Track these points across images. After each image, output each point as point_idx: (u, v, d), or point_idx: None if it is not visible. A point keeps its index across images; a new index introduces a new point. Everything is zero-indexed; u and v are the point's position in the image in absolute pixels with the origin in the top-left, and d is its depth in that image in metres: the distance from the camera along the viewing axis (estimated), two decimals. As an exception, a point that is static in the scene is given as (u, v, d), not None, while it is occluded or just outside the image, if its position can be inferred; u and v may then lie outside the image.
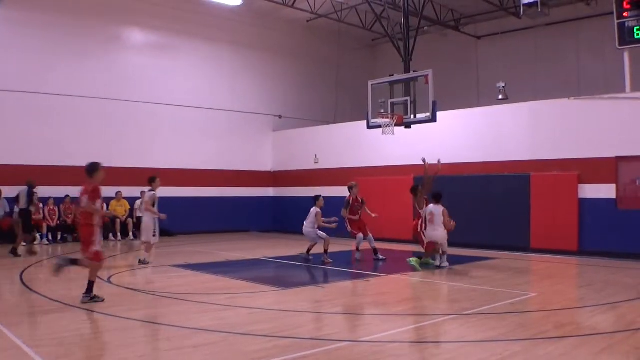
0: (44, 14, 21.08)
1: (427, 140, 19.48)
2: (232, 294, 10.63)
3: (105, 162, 19.87)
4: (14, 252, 16.88)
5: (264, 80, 27.60)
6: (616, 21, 17.31)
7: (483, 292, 11.03)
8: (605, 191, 16.83)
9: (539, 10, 19.76)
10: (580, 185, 17.27)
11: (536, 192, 18.06)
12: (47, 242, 19.52)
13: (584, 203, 17.20)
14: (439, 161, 15.44)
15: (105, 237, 21.22)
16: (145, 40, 24.14)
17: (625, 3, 16.98)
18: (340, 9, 25.96)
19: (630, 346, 6.90)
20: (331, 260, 15.22)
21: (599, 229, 16.76)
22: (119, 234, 21.68)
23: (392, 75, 18.10)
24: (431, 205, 14.45)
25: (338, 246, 16.53)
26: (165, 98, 24.01)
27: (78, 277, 12.68)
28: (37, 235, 19.63)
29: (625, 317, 8.71)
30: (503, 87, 23.09)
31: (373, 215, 16.44)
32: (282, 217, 26.64)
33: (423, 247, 14.85)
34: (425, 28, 25.08)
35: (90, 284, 9.66)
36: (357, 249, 16.14)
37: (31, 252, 17.26)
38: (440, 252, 14.55)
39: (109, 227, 21.55)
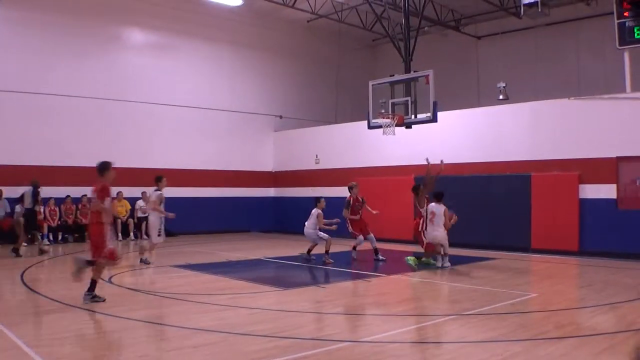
0: (44, 14, 21.08)
1: (428, 140, 19.48)
2: (232, 294, 10.64)
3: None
4: (16, 252, 16.90)
5: (264, 81, 27.59)
6: (616, 21, 17.32)
7: (484, 292, 11.03)
8: (606, 191, 16.82)
9: (539, 10, 19.75)
10: (581, 186, 17.26)
11: (537, 192, 18.05)
12: (47, 243, 19.51)
13: (585, 203, 17.19)
14: (441, 161, 15.45)
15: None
16: (146, 40, 24.14)
17: (625, 3, 16.99)
18: (340, 9, 25.95)
19: (631, 347, 6.91)
20: (332, 261, 15.23)
21: (600, 229, 16.75)
22: (119, 234, 21.67)
23: (393, 75, 18.10)
24: (432, 205, 14.48)
25: (339, 246, 16.53)
26: (166, 98, 24.01)
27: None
28: (39, 236, 19.60)
29: (625, 318, 8.71)
30: (503, 87, 23.07)
31: (374, 212, 16.44)
32: (282, 218, 26.64)
33: (423, 247, 14.88)
34: (426, 28, 25.09)
35: (93, 283, 9.67)
36: (354, 248, 16.17)
37: (42, 251, 17.27)
38: (442, 252, 14.56)
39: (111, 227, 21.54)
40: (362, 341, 7.33)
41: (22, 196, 17.81)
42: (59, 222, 20.75)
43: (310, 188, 24.98)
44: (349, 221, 16.12)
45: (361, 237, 16.05)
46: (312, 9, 25.20)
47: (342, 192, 16.42)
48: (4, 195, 19.45)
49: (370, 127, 18.34)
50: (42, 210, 19.52)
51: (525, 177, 18.27)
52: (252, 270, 14.50)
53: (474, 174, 19.35)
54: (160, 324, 8.42)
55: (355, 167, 23.22)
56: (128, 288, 11.15)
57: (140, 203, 22.18)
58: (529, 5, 19.91)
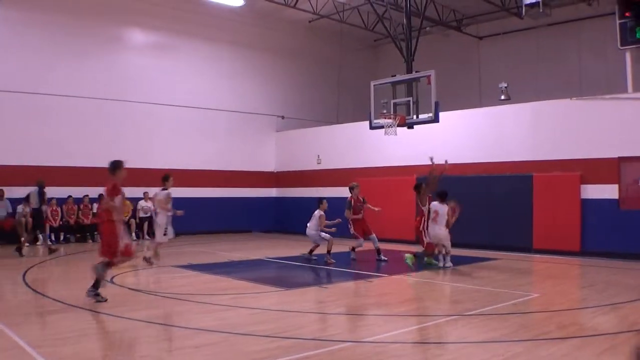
0: (44, 14, 21.10)
1: (430, 140, 19.47)
2: (234, 294, 10.64)
3: (107, 163, 20.00)
4: (19, 252, 16.93)
5: (266, 81, 27.60)
6: (618, 21, 17.32)
7: (485, 292, 11.03)
8: (608, 191, 16.81)
9: (541, 10, 19.73)
10: (583, 186, 17.26)
11: (538, 193, 18.05)
12: (49, 243, 19.50)
13: (587, 203, 17.19)
14: (446, 161, 15.43)
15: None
16: (146, 40, 24.15)
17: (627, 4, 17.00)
18: (342, 10, 25.95)
19: (631, 347, 6.90)
20: (334, 261, 15.24)
21: (602, 229, 16.74)
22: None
23: (395, 75, 18.12)
24: (436, 204, 14.49)
25: (341, 247, 16.53)
26: (167, 99, 24.03)
27: (78, 277, 12.75)
28: (40, 236, 19.63)
29: (627, 318, 8.71)
30: (505, 87, 23.07)
31: (376, 209, 16.46)
32: (284, 218, 26.65)
33: (423, 246, 14.90)
34: (427, 28, 25.08)
35: (98, 280, 9.72)
36: (354, 249, 16.19)
37: (51, 250, 17.27)
38: (444, 252, 14.58)
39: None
40: (364, 341, 7.33)
41: (28, 196, 17.84)
42: (61, 222, 20.76)
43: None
44: (351, 222, 16.12)
45: (361, 240, 16.09)
46: (314, 9, 25.20)
47: (344, 192, 16.42)
48: (5, 196, 19.49)
49: (372, 127, 18.36)
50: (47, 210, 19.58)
51: (527, 177, 18.27)
52: (253, 271, 14.51)
53: (475, 174, 19.34)
54: (162, 324, 8.42)
55: (357, 168, 23.22)
56: (130, 288, 11.15)
57: (142, 203, 22.20)
58: (531, 5, 19.89)
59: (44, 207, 17.88)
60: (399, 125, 17.27)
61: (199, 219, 24.05)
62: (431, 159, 15.37)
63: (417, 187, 15.34)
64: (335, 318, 9.21)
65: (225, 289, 11.23)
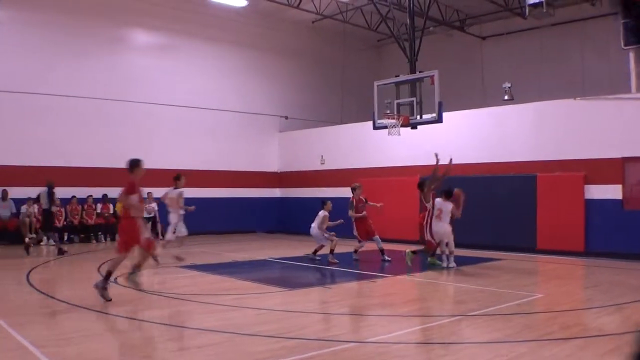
0: (45, 14, 21.12)
1: (433, 140, 19.41)
2: (238, 294, 10.64)
3: (111, 164, 20.08)
4: (27, 250, 17.02)
5: (269, 81, 27.63)
6: (621, 21, 17.30)
7: (489, 293, 11.02)
8: (612, 192, 16.80)
9: (544, 10, 19.76)
10: (587, 186, 17.24)
11: (542, 193, 18.04)
12: (53, 243, 19.52)
13: (591, 204, 17.17)
14: (450, 160, 15.40)
15: (112, 238, 21.32)
16: (149, 41, 24.20)
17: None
18: (345, 10, 25.95)
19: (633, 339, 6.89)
20: (337, 261, 15.24)
21: (606, 229, 16.73)
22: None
23: (398, 75, 18.10)
24: (440, 201, 14.50)
25: (344, 247, 16.53)
26: (170, 99, 24.06)
27: (82, 277, 12.77)
28: (44, 237, 19.68)
29: (631, 318, 8.69)
30: (509, 87, 23.07)
31: (378, 205, 16.48)
32: (288, 218, 26.66)
33: (430, 244, 14.93)
34: (431, 28, 25.07)
35: (109, 274, 9.90)
36: (356, 251, 16.22)
37: (61, 251, 17.30)
38: (447, 252, 14.58)
39: (116, 227, 21.63)
40: (368, 342, 7.33)
41: (38, 197, 17.90)
42: (65, 223, 20.79)
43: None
44: (354, 223, 16.11)
45: (363, 242, 16.13)
46: (317, 9, 25.20)
47: (348, 193, 16.43)
48: (9, 196, 19.54)
49: (375, 127, 18.35)
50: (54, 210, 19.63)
51: (531, 178, 18.26)
52: (257, 271, 14.52)
53: (479, 174, 19.33)
54: (166, 324, 8.42)
55: (360, 168, 23.23)
56: (133, 289, 11.15)
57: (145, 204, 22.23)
58: (534, 5, 19.92)
59: (53, 208, 17.90)
60: (402, 126, 17.27)
61: (202, 220, 23.97)
62: (436, 155, 15.34)
63: (421, 185, 15.36)
64: (339, 318, 9.22)
65: (229, 289, 11.24)
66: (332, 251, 15.48)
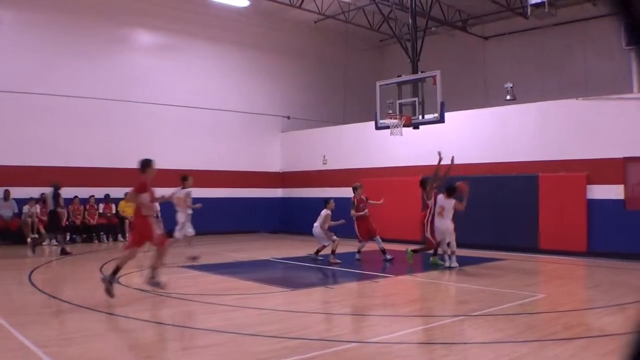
0: (45, 14, 21.13)
1: (435, 141, 19.41)
2: (240, 294, 10.65)
3: (113, 164, 20.09)
4: (32, 248, 17.13)
5: (271, 81, 27.63)
6: (623, 21, 17.28)
7: (491, 293, 11.02)
8: (614, 192, 16.79)
9: (546, 10, 19.75)
10: (589, 186, 17.22)
11: (544, 193, 18.02)
12: (55, 243, 19.52)
13: (593, 204, 17.15)
14: (452, 159, 15.38)
15: (115, 238, 21.35)
16: (152, 41, 24.22)
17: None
18: (347, 10, 25.95)
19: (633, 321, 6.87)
20: (339, 261, 15.25)
21: (608, 229, 16.71)
22: (127, 234, 21.69)
23: (400, 75, 18.12)
24: (442, 198, 14.49)
25: (346, 247, 16.53)
26: (172, 99, 24.06)
27: (84, 277, 12.79)
28: (46, 237, 19.71)
29: (633, 319, 8.69)
30: (511, 87, 23.06)
31: (379, 202, 16.51)
32: (290, 218, 26.66)
33: (430, 242, 14.97)
34: (433, 29, 25.04)
35: (117, 269, 10.10)
36: (359, 251, 16.22)
37: (64, 251, 17.31)
38: (449, 252, 14.57)
39: (118, 227, 21.68)
40: (370, 342, 7.34)
41: (44, 198, 17.94)
42: (67, 223, 20.79)
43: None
44: (355, 222, 16.13)
45: (364, 242, 16.16)
46: (319, 9, 25.20)
47: (350, 193, 16.44)
48: (11, 196, 19.57)
49: (377, 127, 18.36)
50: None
51: (533, 178, 18.25)
52: (260, 271, 14.52)
53: (481, 174, 19.31)
54: (168, 324, 8.43)
55: (362, 168, 23.23)
56: (136, 288, 11.17)
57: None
58: (536, 5, 19.91)
59: (59, 209, 17.90)
60: (404, 126, 17.28)
61: (205, 220, 23.94)
62: (439, 154, 15.33)
63: (423, 183, 15.41)
64: (341, 318, 9.22)
65: (232, 290, 11.25)
66: (333, 252, 15.48)
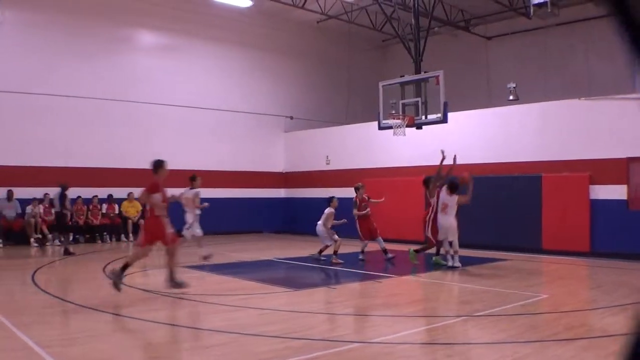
0: (46, 14, 21.16)
1: (438, 141, 19.39)
2: (243, 295, 10.66)
3: (116, 164, 20.13)
4: (40, 245, 17.27)
5: (274, 82, 27.65)
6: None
7: (494, 293, 11.02)
8: (617, 192, 16.77)
9: (549, 10, 19.72)
10: (592, 186, 17.21)
11: (547, 193, 18.01)
12: (58, 243, 19.55)
13: (596, 204, 17.14)
14: (454, 157, 15.35)
15: (118, 239, 21.38)
16: (154, 41, 24.25)
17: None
18: (350, 10, 25.96)
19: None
20: (342, 261, 15.25)
21: (611, 230, 16.69)
22: (130, 235, 21.75)
23: (403, 76, 18.13)
24: (445, 195, 14.48)
25: (349, 247, 16.55)
26: (175, 100, 24.09)
27: (87, 278, 12.82)
28: (49, 236, 19.76)
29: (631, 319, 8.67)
30: (514, 87, 23.05)
31: (380, 200, 16.55)
32: (293, 218, 26.66)
33: (429, 240, 15.00)
34: (436, 29, 25.06)
35: (126, 265, 10.36)
36: (362, 251, 16.23)
37: (68, 252, 17.32)
38: (452, 252, 14.54)
39: (121, 228, 21.71)
40: (373, 342, 7.34)
41: (52, 200, 18.01)
42: (70, 223, 20.79)
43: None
44: (357, 221, 16.15)
45: (366, 241, 16.17)
46: (322, 9, 25.21)
47: (353, 193, 16.46)
48: (15, 196, 19.60)
49: (380, 127, 18.38)
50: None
51: (536, 178, 18.23)
52: (262, 271, 14.54)
53: (484, 174, 19.28)
54: (172, 324, 8.45)
55: (365, 168, 23.23)
56: (139, 289, 11.19)
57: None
58: (539, 5, 19.89)
59: (65, 210, 17.91)
60: (407, 126, 17.29)
61: (208, 220, 23.98)
62: (442, 152, 15.33)
63: (426, 181, 15.42)
64: (344, 319, 9.23)
65: (235, 290, 11.26)
66: (335, 252, 15.49)
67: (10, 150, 19.90)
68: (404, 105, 17.67)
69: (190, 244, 15.61)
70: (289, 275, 14.42)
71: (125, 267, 10.31)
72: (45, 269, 14.21)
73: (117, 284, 10.10)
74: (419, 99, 17.38)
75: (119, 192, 21.79)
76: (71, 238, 20.50)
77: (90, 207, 21.33)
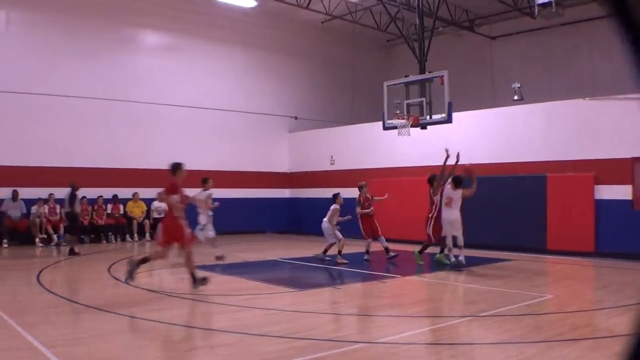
0: (47, 14, 21.17)
1: (443, 141, 19.31)
2: (248, 295, 10.67)
3: (122, 164, 20.16)
4: (46, 241, 17.65)
5: (279, 82, 27.64)
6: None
7: (499, 293, 11.01)
8: (622, 192, 16.74)
9: (553, 10, 19.70)
10: (597, 186, 17.18)
11: (552, 193, 17.98)
12: (64, 243, 19.55)
13: (600, 204, 17.10)
14: (457, 155, 15.30)
15: (123, 239, 21.40)
16: (159, 42, 24.26)
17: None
18: (354, 10, 25.94)
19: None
20: (346, 261, 15.25)
21: (616, 230, 16.65)
22: (135, 235, 21.77)
23: (407, 76, 18.13)
24: (449, 189, 14.46)
25: (353, 247, 16.55)
26: (179, 100, 24.08)
27: (92, 278, 12.84)
28: (55, 237, 19.78)
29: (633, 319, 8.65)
30: (518, 87, 23.02)
31: (383, 197, 16.56)
32: (298, 219, 26.65)
33: (429, 238, 15.01)
34: (440, 29, 25.01)
35: (146, 259, 10.92)
36: (367, 252, 16.22)
37: (73, 252, 17.33)
38: (460, 244, 14.43)
39: (126, 228, 21.73)
40: (377, 342, 7.34)
41: (64, 200, 18.08)
42: (82, 223, 20.82)
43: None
44: (360, 220, 16.15)
45: (369, 240, 16.17)
46: (326, 10, 25.18)
47: (357, 192, 16.46)
48: (20, 197, 19.63)
49: (385, 128, 18.37)
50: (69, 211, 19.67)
51: (541, 178, 18.21)
52: (267, 271, 14.57)
53: (489, 174, 19.25)
54: (177, 324, 8.45)
55: (370, 168, 23.21)
56: (144, 289, 11.19)
57: (155, 204, 22.25)
58: (543, 5, 19.86)
59: (75, 210, 17.91)
60: (412, 126, 17.29)
61: (214, 220, 24.08)
62: (447, 151, 15.30)
63: (431, 180, 15.42)
64: (349, 319, 9.24)
65: (240, 290, 11.28)
66: (340, 252, 15.50)
67: (15, 150, 19.92)
68: (408, 105, 17.67)
69: (204, 245, 15.67)
70: (294, 276, 14.43)
71: (144, 260, 10.80)
72: (51, 269, 14.23)
73: (131, 273, 10.57)
74: (423, 99, 17.38)
75: (124, 192, 21.83)
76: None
77: (95, 207, 21.33)
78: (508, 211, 18.67)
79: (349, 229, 16.28)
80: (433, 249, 15.61)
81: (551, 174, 18.02)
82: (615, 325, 8.26)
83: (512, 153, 19.07)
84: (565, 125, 18.07)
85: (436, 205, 14.93)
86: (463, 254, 14.37)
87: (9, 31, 20.24)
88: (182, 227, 10.79)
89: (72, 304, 9.67)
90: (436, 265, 14.80)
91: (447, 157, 15.14)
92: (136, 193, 21.97)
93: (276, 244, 21.95)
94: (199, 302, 10.00)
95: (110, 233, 21.42)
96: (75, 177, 19.82)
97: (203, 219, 15.68)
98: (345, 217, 15.95)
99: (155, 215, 22.21)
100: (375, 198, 16.47)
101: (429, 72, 17.73)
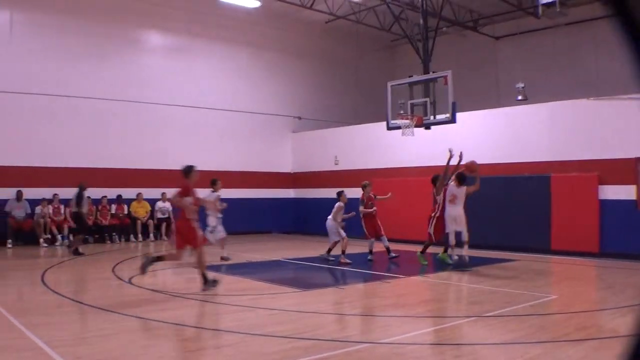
0: (56, 15, 21.21)
1: (447, 141, 19.31)
2: (252, 295, 10.67)
3: (125, 164, 20.18)
4: (51, 242, 18.19)
5: (283, 82, 27.64)
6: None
7: (503, 293, 10.99)
8: (626, 192, 16.70)
9: (557, 10, 19.68)
10: (601, 187, 17.14)
11: (556, 193, 17.95)
12: (68, 244, 19.57)
13: (605, 204, 17.06)
14: (460, 154, 15.27)
15: (127, 239, 21.42)
16: (164, 43, 24.28)
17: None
18: (358, 10, 25.93)
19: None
20: (350, 261, 15.24)
21: (620, 230, 16.61)
22: (140, 235, 21.78)
23: (411, 76, 18.12)
24: (453, 187, 14.45)
25: (357, 247, 16.55)
26: (183, 100, 24.10)
27: (96, 278, 12.85)
28: (59, 237, 19.81)
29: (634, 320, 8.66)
30: (522, 87, 22.99)
31: (387, 196, 16.54)
32: (302, 219, 26.65)
33: (429, 237, 15.01)
34: (444, 29, 25.01)
35: (160, 258, 11.28)
36: (371, 252, 16.21)
37: (77, 252, 17.34)
38: (465, 239, 14.39)
39: (130, 228, 21.75)
40: (381, 342, 7.33)
41: (70, 199, 18.12)
42: (89, 223, 20.83)
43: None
44: (363, 219, 16.14)
45: (372, 239, 16.16)
46: (330, 10, 25.18)
47: (361, 192, 16.47)
48: (24, 197, 19.65)
49: (389, 128, 18.37)
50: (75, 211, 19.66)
51: (545, 178, 18.18)
52: (271, 272, 14.56)
53: (493, 174, 19.23)
54: (180, 324, 8.45)
55: (374, 168, 23.18)
56: (148, 289, 11.20)
57: (159, 204, 22.30)
58: (547, 5, 19.84)
59: (82, 210, 17.91)
60: (416, 126, 17.29)
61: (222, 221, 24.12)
62: (450, 151, 15.28)
63: (435, 180, 15.40)
64: (352, 319, 9.24)
65: (244, 290, 11.28)
66: (343, 252, 15.50)
67: (19, 150, 19.96)
68: (412, 105, 17.66)
69: (214, 246, 15.71)
70: (298, 276, 14.42)
71: (159, 258, 11.16)
72: (55, 269, 14.23)
73: (144, 267, 10.86)
74: (427, 99, 17.38)
75: (128, 193, 21.85)
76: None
77: (99, 207, 21.35)
78: (512, 211, 18.64)
79: (352, 229, 16.27)
80: (435, 249, 15.57)
81: (555, 174, 18.00)
82: (620, 325, 8.24)
83: (516, 153, 19.03)
84: (570, 125, 18.04)
85: (439, 206, 14.92)
86: (466, 250, 14.32)
87: (18, 33, 20.27)
88: (194, 229, 10.95)
89: (77, 304, 9.68)
90: (439, 264, 14.77)
91: (451, 157, 15.13)
92: (140, 193, 22.00)
93: (280, 244, 21.97)
94: (203, 302, 10.00)
95: (114, 233, 21.44)
96: (79, 177, 19.85)
97: (212, 220, 15.75)
98: (350, 214, 15.97)
99: (159, 215, 22.26)
100: (379, 197, 16.46)
101: (433, 72, 17.73)
